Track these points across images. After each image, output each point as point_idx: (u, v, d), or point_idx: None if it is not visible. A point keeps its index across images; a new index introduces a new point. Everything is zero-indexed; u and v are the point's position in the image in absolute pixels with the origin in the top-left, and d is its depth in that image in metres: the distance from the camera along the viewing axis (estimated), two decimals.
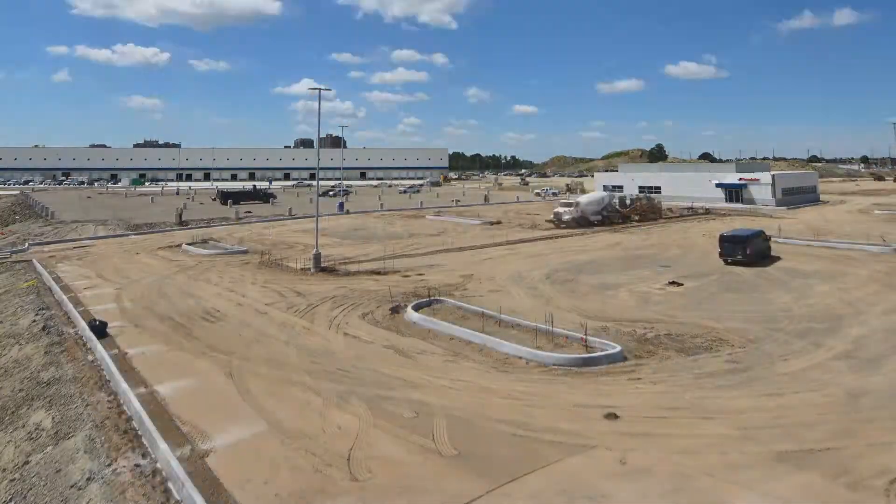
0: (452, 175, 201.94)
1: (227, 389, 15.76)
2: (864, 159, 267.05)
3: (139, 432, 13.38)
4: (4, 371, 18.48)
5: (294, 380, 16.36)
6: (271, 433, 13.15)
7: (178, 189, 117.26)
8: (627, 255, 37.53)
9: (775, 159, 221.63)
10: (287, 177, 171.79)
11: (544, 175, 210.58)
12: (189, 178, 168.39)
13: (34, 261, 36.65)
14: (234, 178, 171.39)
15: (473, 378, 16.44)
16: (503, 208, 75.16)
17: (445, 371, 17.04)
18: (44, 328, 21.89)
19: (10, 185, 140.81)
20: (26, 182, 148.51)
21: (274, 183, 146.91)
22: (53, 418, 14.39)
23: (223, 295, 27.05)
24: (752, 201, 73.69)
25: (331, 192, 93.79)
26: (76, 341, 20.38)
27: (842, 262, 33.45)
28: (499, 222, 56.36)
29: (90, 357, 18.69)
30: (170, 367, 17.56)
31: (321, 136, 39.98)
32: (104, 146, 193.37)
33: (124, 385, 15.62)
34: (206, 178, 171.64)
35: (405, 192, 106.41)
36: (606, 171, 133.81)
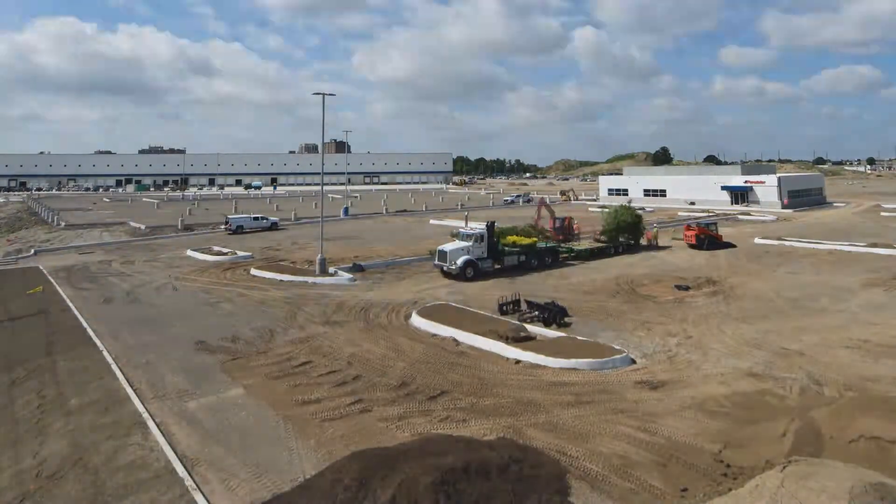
0: (465, 178, 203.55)
1: None
2: (871, 161, 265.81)
3: None
4: None
5: None
6: None
7: (183, 194, 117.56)
8: None
9: (781, 161, 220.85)
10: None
11: (543, 177, 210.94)
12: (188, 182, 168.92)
13: (41, 266, 36.73)
14: (238, 182, 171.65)
15: None
16: (504, 212, 74.94)
17: None
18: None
19: (13, 192, 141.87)
20: (38, 189, 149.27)
21: (264, 188, 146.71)
22: None
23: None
24: (757, 204, 73.27)
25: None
26: None
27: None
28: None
29: None
30: None
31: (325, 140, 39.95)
32: (109, 153, 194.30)
33: None
34: (211, 182, 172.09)
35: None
36: (611, 174, 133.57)
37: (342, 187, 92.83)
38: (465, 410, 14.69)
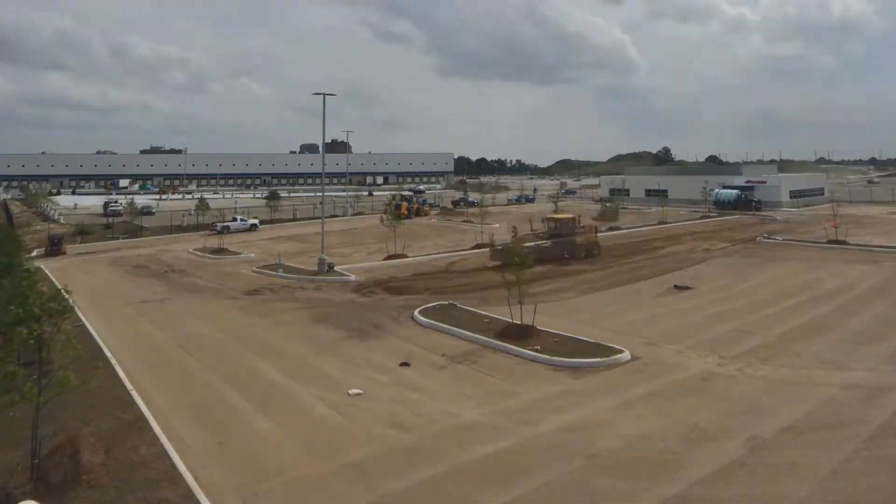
0: (464, 178, 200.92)
1: None
2: (873, 161, 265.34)
3: None
4: None
5: None
6: None
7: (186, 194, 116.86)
8: None
9: (782, 161, 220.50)
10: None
11: (556, 178, 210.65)
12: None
13: (42, 266, 36.77)
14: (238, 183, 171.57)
15: None
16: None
17: None
18: None
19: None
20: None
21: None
22: None
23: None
24: (759, 204, 73.06)
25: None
26: None
27: None
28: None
29: None
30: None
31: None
32: (110, 153, 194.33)
33: None
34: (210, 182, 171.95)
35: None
36: (612, 174, 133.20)
37: (343, 194, 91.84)
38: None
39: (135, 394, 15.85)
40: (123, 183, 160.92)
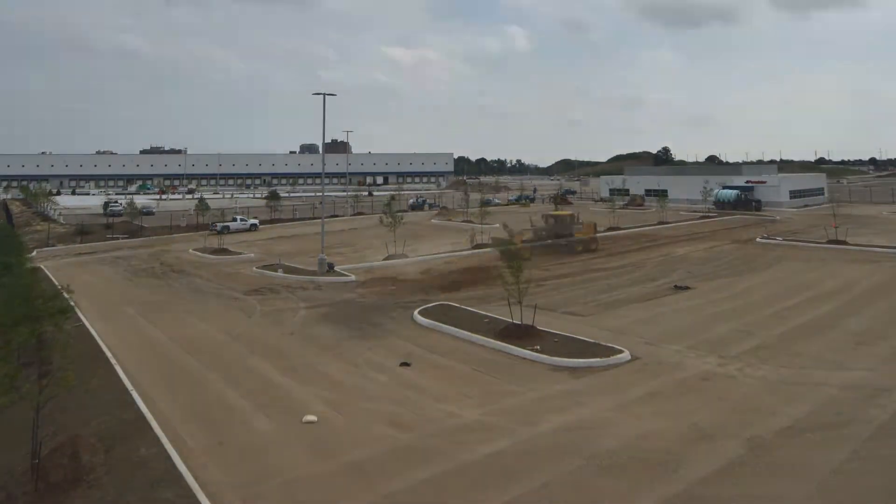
0: (464, 178, 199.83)
1: None
2: (873, 161, 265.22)
3: None
4: None
5: None
6: None
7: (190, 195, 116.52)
8: None
9: (783, 161, 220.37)
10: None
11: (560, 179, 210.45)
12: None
13: (42, 266, 36.75)
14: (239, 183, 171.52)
15: None
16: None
17: None
18: None
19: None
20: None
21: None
22: None
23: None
24: (759, 204, 73.09)
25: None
26: None
27: None
28: None
29: None
30: None
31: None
32: (111, 153, 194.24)
33: None
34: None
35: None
36: (611, 174, 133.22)
37: (343, 194, 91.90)
38: None
39: (135, 394, 15.85)
40: (120, 183, 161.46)
